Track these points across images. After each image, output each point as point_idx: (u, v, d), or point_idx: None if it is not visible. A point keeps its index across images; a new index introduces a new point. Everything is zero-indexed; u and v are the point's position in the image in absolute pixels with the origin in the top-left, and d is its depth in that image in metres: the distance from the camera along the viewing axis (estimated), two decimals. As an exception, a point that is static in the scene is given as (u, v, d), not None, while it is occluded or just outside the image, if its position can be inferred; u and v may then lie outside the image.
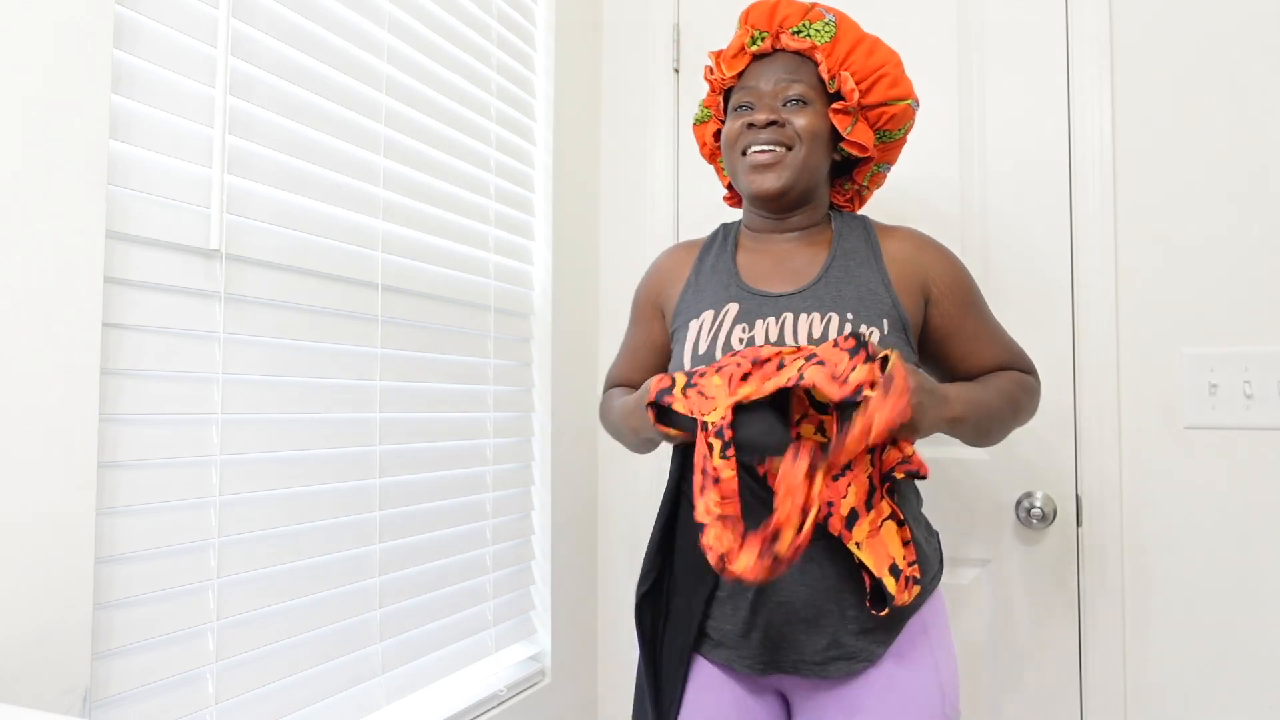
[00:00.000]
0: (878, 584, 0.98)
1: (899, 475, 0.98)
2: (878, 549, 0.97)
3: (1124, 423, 1.52)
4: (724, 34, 1.83)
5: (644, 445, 1.20)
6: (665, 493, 1.15)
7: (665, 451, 1.81)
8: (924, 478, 0.98)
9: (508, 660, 1.60)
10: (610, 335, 1.89)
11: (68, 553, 0.85)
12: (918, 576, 0.98)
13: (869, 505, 0.97)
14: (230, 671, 1.04)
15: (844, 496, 0.96)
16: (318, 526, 1.18)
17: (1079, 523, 1.54)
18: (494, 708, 1.50)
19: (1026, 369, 1.20)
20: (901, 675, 1.04)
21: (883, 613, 1.00)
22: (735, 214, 1.81)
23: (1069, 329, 1.56)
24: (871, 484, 0.98)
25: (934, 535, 1.16)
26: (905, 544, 0.98)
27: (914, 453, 0.98)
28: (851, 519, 0.96)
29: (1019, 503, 1.57)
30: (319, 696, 1.16)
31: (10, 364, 0.81)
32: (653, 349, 1.29)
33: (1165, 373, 1.50)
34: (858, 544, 0.97)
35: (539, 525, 1.70)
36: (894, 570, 0.96)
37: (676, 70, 1.87)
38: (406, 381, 1.35)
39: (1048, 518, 1.54)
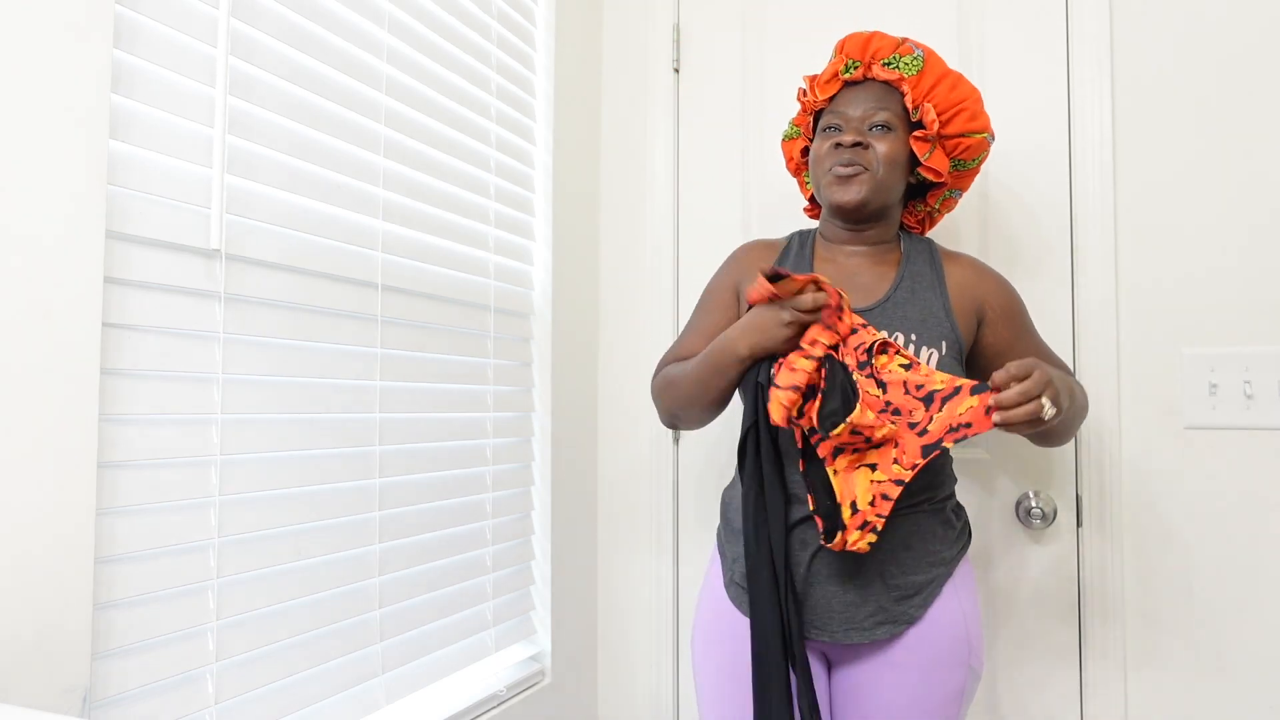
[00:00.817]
0: (831, 516, 1.11)
1: (948, 444, 1.09)
2: (846, 483, 1.11)
3: (1124, 423, 1.52)
4: (724, 34, 1.83)
5: (716, 389, 1.21)
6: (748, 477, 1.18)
7: (664, 457, 1.81)
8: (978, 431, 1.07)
9: (508, 660, 1.60)
10: (610, 335, 1.89)
11: (67, 553, 0.85)
12: (878, 529, 1.10)
13: (856, 449, 1.11)
14: (230, 671, 1.04)
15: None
16: (318, 526, 1.18)
17: (1079, 523, 1.54)
18: (494, 708, 1.50)
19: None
20: (933, 630, 1.17)
21: (832, 544, 1.10)
22: (733, 218, 1.81)
23: (1069, 329, 1.56)
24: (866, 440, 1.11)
25: (962, 509, 1.28)
26: (882, 498, 1.10)
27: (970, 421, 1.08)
28: (837, 452, 1.12)
29: (1019, 503, 1.57)
30: (319, 696, 1.16)
31: (10, 364, 0.81)
32: (728, 314, 1.33)
33: (1165, 373, 1.50)
34: (834, 471, 1.12)
35: (539, 525, 1.70)
36: (853, 506, 1.10)
37: (676, 70, 1.87)
38: (406, 381, 1.35)
39: (1048, 518, 1.54)
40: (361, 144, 1.26)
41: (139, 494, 0.94)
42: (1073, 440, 1.55)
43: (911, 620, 1.16)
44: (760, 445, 1.16)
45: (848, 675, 1.20)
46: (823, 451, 1.12)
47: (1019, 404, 1.00)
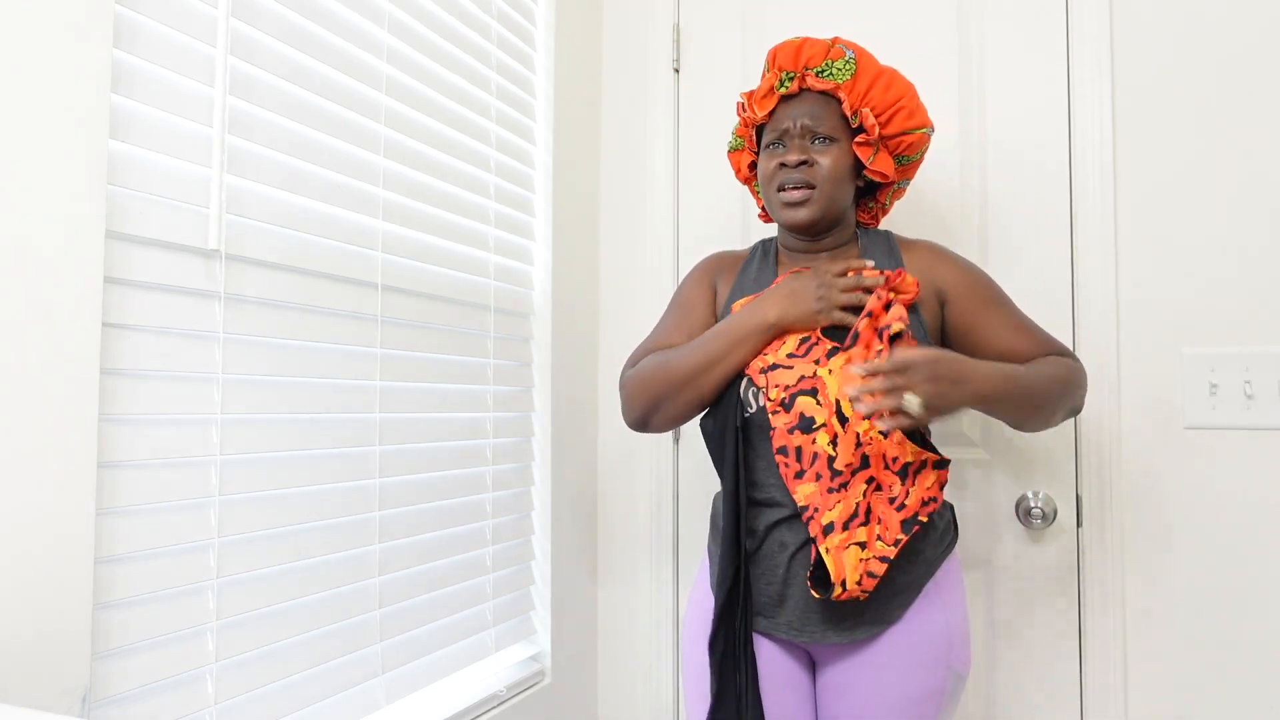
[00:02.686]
0: (822, 572, 1.15)
1: (923, 517, 1.15)
2: (838, 561, 1.13)
3: (1124, 423, 1.52)
4: (724, 34, 1.83)
5: (729, 365, 1.20)
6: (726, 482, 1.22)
7: (664, 457, 1.81)
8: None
9: (508, 660, 1.60)
10: (610, 335, 1.89)
11: (67, 553, 0.85)
12: (860, 599, 1.15)
13: (846, 526, 1.13)
14: (230, 671, 1.04)
15: (830, 509, 1.14)
16: (318, 526, 1.18)
17: (1079, 523, 1.54)
18: (494, 708, 1.50)
19: (1063, 354, 1.26)
20: (913, 631, 1.18)
21: (818, 596, 1.14)
22: (733, 218, 1.81)
23: (1069, 329, 1.56)
24: (863, 511, 1.15)
25: (948, 509, 1.27)
26: (869, 576, 1.12)
27: (938, 494, 1.16)
28: (828, 529, 1.14)
29: (1019, 503, 1.57)
30: (319, 696, 1.16)
31: (10, 364, 0.81)
32: (708, 310, 1.34)
33: (1165, 373, 1.50)
34: (826, 549, 1.13)
35: (539, 525, 1.70)
36: (843, 584, 1.12)
37: (676, 70, 1.87)
38: (406, 381, 1.35)
39: (1048, 518, 1.54)
40: (361, 144, 1.26)
41: (139, 494, 0.94)
42: (1073, 440, 1.55)
43: (891, 621, 1.17)
44: (733, 450, 1.20)
45: (829, 675, 1.21)
46: (813, 530, 1.14)
47: (884, 389, 1.02)
